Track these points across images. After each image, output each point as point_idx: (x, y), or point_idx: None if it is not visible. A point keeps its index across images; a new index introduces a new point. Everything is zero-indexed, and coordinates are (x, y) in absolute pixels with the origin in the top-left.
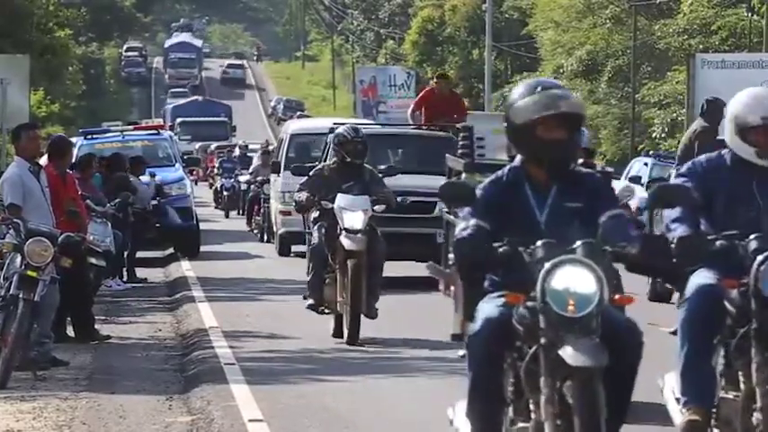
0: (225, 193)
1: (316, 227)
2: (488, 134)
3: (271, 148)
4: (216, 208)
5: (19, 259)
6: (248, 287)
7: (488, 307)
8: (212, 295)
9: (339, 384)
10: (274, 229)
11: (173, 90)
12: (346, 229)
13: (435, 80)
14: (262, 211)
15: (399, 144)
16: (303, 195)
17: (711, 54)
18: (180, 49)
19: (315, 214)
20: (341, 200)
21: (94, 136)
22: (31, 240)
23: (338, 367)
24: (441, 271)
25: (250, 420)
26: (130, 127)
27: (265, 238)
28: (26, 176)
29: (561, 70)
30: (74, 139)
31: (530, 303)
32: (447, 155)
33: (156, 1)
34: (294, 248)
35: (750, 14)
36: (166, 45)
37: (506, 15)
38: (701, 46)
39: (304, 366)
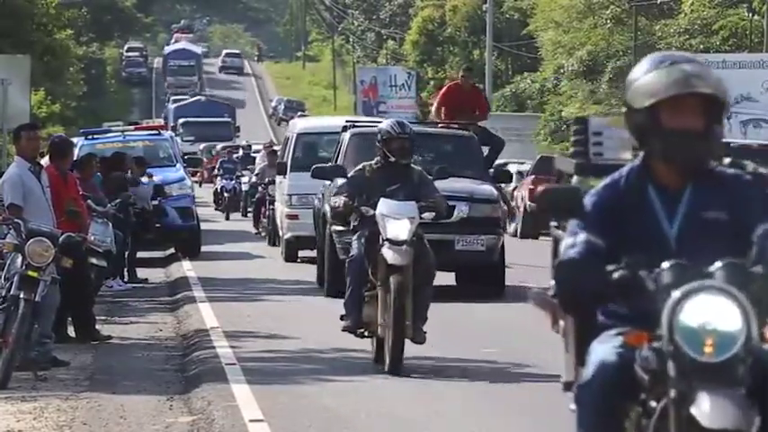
0: (225, 194)
1: (355, 236)
2: (607, 127)
3: (276, 147)
4: (216, 209)
5: (20, 259)
6: (249, 287)
7: (603, 348)
8: (213, 295)
9: (340, 384)
10: (280, 233)
11: (174, 98)
12: (389, 240)
13: (462, 74)
14: (267, 213)
15: (415, 143)
16: (340, 200)
17: (712, 54)
18: (179, 56)
19: (354, 222)
20: (384, 206)
21: (95, 136)
22: (31, 240)
23: (339, 367)
24: (546, 301)
25: (251, 420)
26: (131, 127)
27: (273, 241)
28: (26, 176)
29: (562, 70)
30: (74, 140)
31: (656, 344)
32: (556, 155)
33: (156, 1)
34: (301, 254)
35: (751, 15)
36: (165, 52)
37: (507, 16)
38: (701, 46)
39: (305, 366)
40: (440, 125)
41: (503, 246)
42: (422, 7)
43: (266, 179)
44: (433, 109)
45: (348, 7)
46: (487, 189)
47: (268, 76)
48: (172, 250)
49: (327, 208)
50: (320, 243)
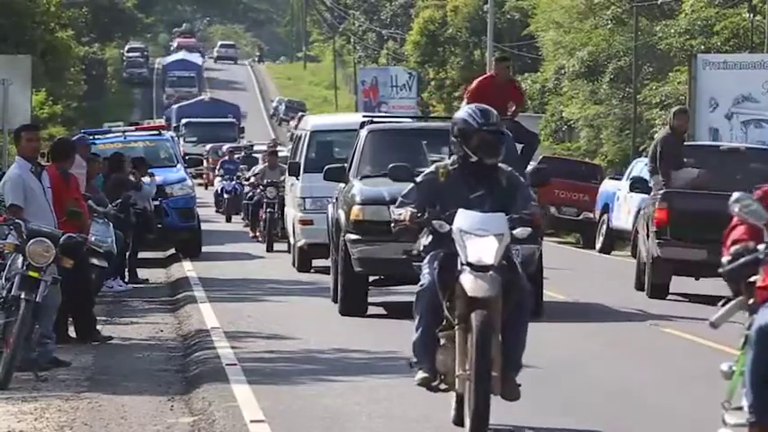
0: (226, 195)
1: (426, 259)
2: None
3: (279, 148)
4: (217, 212)
5: (20, 260)
6: (249, 287)
7: None
8: (214, 296)
9: (341, 385)
10: (291, 240)
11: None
12: (471, 264)
13: (495, 65)
14: (264, 217)
15: (440, 141)
16: (406, 212)
17: (713, 55)
18: (179, 67)
19: (424, 240)
20: (463, 218)
21: (96, 137)
22: (32, 241)
23: (340, 368)
24: None
25: (252, 421)
26: (132, 128)
27: (270, 246)
28: (27, 177)
29: (563, 71)
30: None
31: None
32: None
33: (157, 2)
34: (315, 263)
35: (752, 15)
36: (165, 63)
37: (508, 16)
38: (702, 47)
39: (306, 367)
40: None
41: (541, 256)
42: (423, 8)
43: (265, 181)
44: (463, 104)
45: (349, 8)
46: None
47: (268, 76)
48: (172, 251)
49: (341, 213)
50: (334, 253)
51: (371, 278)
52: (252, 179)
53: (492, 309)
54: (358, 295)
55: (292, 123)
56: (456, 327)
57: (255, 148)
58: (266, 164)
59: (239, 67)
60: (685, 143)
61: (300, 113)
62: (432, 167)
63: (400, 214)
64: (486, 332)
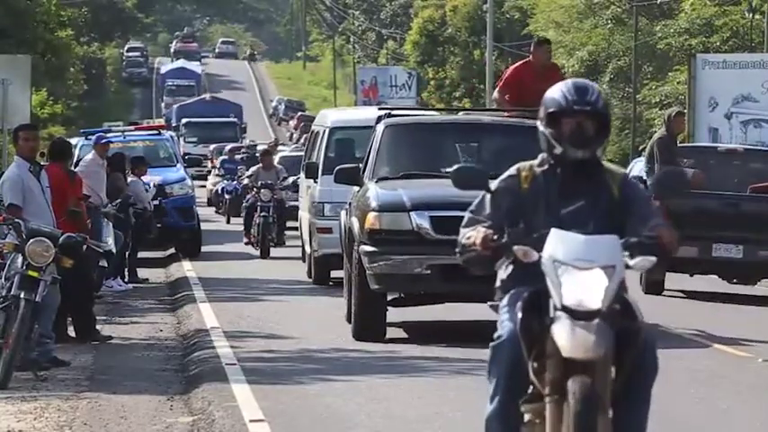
0: (226, 196)
1: (505, 300)
2: None
3: (280, 147)
4: (217, 212)
5: (20, 259)
6: (249, 287)
7: None
8: (213, 295)
9: (340, 384)
10: (307, 249)
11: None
12: (568, 309)
13: (533, 50)
14: (257, 221)
15: (471, 138)
16: (477, 233)
17: (712, 54)
18: (178, 76)
19: (502, 273)
20: (557, 243)
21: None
22: (32, 241)
23: (340, 367)
24: None
25: (251, 420)
26: (131, 127)
27: (266, 252)
28: (26, 176)
29: (563, 71)
30: (75, 140)
31: None
32: None
33: (157, 1)
34: (334, 274)
35: (751, 14)
36: (163, 71)
37: (507, 16)
38: (701, 46)
39: (305, 366)
40: (506, 114)
41: None
42: (422, 7)
43: (259, 183)
44: (495, 93)
45: (349, 7)
46: None
47: (268, 75)
48: (172, 250)
49: (355, 221)
50: (348, 267)
51: (390, 296)
52: (246, 181)
53: (598, 374)
54: (375, 316)
55: (291, 123)
56: (547, 398)
57: (258, 147)
58: (262, 164)
59: (239, 65)
60: (684, 144)
61: (300, 113)
62: (512, 170)
63: (469, 237)
64: (590, 408)
